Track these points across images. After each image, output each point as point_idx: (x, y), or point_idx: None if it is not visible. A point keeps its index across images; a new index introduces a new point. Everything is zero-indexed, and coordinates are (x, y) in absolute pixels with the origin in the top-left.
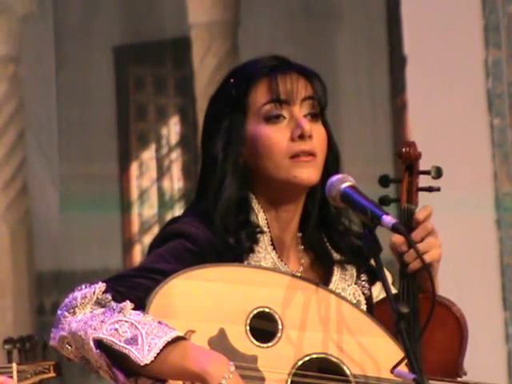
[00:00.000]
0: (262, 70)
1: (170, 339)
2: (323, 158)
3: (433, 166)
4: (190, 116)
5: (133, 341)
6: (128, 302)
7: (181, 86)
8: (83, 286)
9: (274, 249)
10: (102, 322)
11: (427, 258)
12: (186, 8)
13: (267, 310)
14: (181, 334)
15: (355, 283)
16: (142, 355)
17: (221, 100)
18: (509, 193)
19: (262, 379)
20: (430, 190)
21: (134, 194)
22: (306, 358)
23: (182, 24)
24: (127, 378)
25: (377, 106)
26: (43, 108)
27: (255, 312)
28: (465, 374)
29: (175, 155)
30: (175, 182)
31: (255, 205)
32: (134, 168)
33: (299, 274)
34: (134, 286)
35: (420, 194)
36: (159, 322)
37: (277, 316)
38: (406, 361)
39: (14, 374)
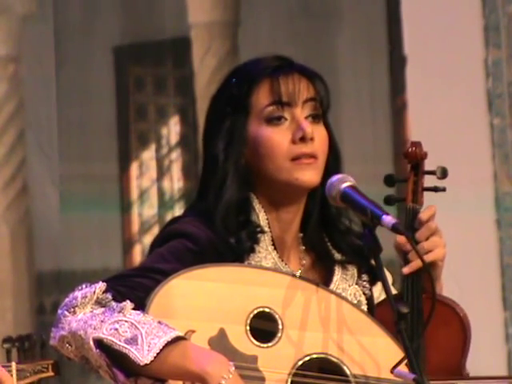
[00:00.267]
0: (264, 71)
1: (169, 339)
2: (324, 160)
3: (438, 167)
4: (189, 116)
5: (133, 340)
6: (128, 301)
7: (181, 86)
8: (83, 286)
9: (275, 249)
10: (102, 321)
11: (431, 256)
12: (185, 8)
13: (267, 309)
14: (181, 333)
15: (356, 283)
16: (142, 355)
17: (222, 100)
18: (509, 193)
19: (262, 379)
20: (435, 190)
21: (134, 194)
22: (306, 358)
23: (181, 24)
24: (127, 378)
25: (377, 106)
26: (43, 108)
27: (255, 312)
28: (468, 374)
29: (175, 155)
30: (175, 182)
31: (256, 205)
32: (134, 168)
33: (300, 274)
34: (134, 286)
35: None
36: (159, 322)
37: (277, 316)
38: (406, 361)
39: (14, 372)
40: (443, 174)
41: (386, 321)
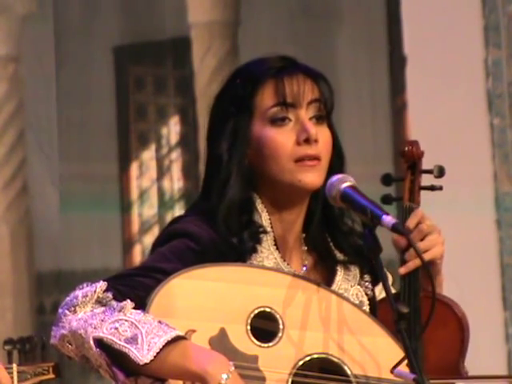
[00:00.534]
0: (268, 71)
1: (169, 338)
2: (328, 161)
3: (435, 165)
4: (189, 116)
5: (133, 340)
6: (128, 301)
7: (181, 86)
8: (84, 285)
9: (277, 249)
10: (103, 320)
11: (429, 255)
12: (185, 8)
13: (268, 309)
14: (181, 333)
15: (358, 284)
16: (142, 354)
17: (227, 99)
18: (509, 193)
19: (263, 379)
20: (432, 188)
21: (134, 194)
22: (307, 358)
23: (181, 24)
24: (127, 377)
25: (377, 106)
26: (43, 108)
27: (256, 312)
28: (466, 373)
29: (175, 155)
30: (175, 182)
31: (259, 205)
32: (134, 168)
33: (300, 274)
34: (135, 285)
35: (421, 193)
36: (159, 322)
37: (278, 316)
38: (406, 361)
39: (15, 374)
40: (440, 172)
41: (387, 320)
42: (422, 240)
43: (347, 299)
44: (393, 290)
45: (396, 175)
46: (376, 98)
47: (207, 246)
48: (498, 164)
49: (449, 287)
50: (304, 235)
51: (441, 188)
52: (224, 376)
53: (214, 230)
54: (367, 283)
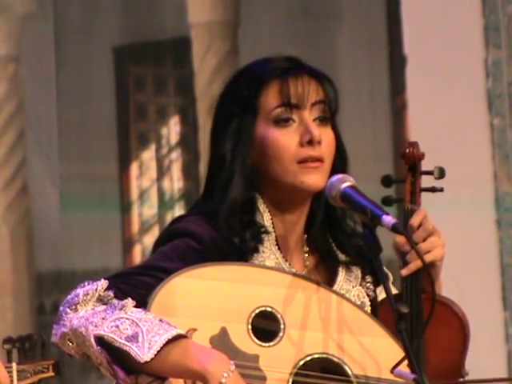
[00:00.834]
0: (273, 72)
1: (170, 337)
2: (330, 163)
3: (435, 167)
4: (189, 116)
5: (133, 338)
6: (130, 299)
7: (181, 86)
8: (85, 283)
9: (279, 249)
10: (104, 318)
11: (429, 257)
12: (185, 8)
13: (269, 309)
14: (182, 332)
15: (360, 284)
16: (143, 352)
17: (231, 99)
18: (509, 193)
19: (264, 378)
20: (433, 190)
21: (134, 194)
22: (308, 358)
23: (181, 24)
24: (127, 376)
25: (377, 106)
26: (43, 108)
27: (257, 311)
28: (467, 373)
29: (175, 155)
30: (175, 182)
31: (261, 205)
32: (134, 168)
33: (301, 274)
34: (136, 284)
35: (421, 194)
36: (160, 320)
37: (279, 315)
38: (407, 361)
39: (14, 373)
40: (441, 174)
41: (388, 320)
42: (423, 241)
43: (347, 299)
44: (393, 290)
45: (396, 176)
46: (376, 97)
47: (209, 246)
48: (498, 164)
49: (449, 287)
50: (305, 236)
51: (442, 190)
52: (225, 375)
53: (215, 229)
54: (369, 284)
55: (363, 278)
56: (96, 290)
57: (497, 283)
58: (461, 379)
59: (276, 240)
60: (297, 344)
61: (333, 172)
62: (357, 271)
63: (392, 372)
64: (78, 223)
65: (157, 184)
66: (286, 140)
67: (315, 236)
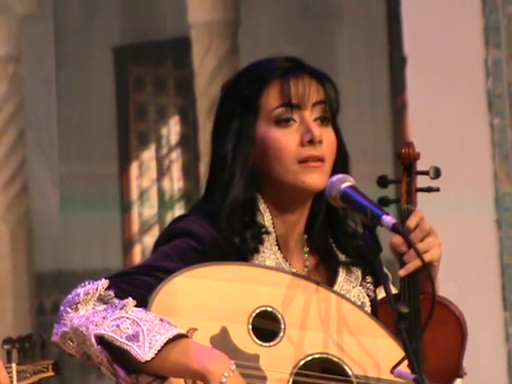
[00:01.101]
0: (274, 72)
1: (171, 336)
2: (332, 163)
3: (431, 167)
4: (189, 116)
5: (134, 337)
6: (130, 298)
7: (181, 86)
8: (86, 283)
9: (279, 249)
10: (104, 318)
11: (427, 257)
12: (185, 8)
13: (270, 309)
14: (182, 331)
15: (360, 285)
16: (143, 352)
17: (232, 99)
18: (509, 193)
19: (264, 378)
20: (429, 190)
21: (134, 194)
22: (308, 358)
23: (181, 24)
24: (128, 375)
25: (377, 106)
26: (43, 108)
27: (258, 311)
28: (465, 373)
29: (175, 155)
30: (175, 182)
31: (261, 205)
32: (134, 168)
33: (301, 274)
34: (136, 284)
35: (420, 194)
36: (161, 320)
37: (279, 315)
38: (406, 362)
39: (14, 373)
40: (436, 174)
41: (387, 320)
42: (420, 242)
43: (347, 299)
44: (393, 290)
45: (396, 176)
46: (376, 98)
47: (209, 246)
48: (498, 164)
49: (449, 287)
50: (306, 236)
51: (438, 190)
52: (225, 374)
53: (216, 229)
54: (369, 284)
55: (363, 279)
56: (97, 289)
57: (497, 283)
58: (459, 379)
59: (276, 240)
60: (297, 344)
61: (334, 172)
62: (357, 272)
63: (392, 372)
64: (78, 223)
65: (157, 184)
66: (286, 140)
67: (316, 236)
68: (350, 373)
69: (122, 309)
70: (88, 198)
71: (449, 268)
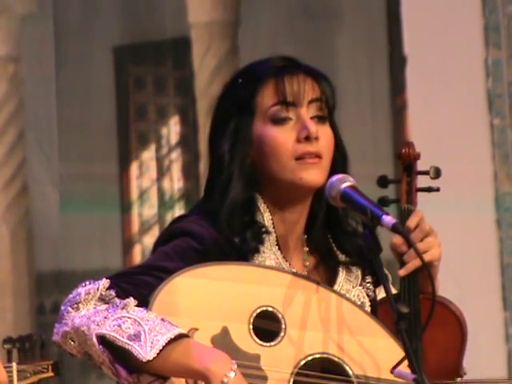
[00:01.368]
0: (269, 71)
1: (172, 336)
2: (329, 160)
3: (431, 167)
4: (189, 116)
5: (135, 337)
6: (131, 298)
7: (181, 86)
8: (87, 283)
9: (279, 249)
10: (106, 317)
11: (427, 257)
12: (185, 8)
13: (270, 309)
14: (184, 331)
15: (360, 285)
16: (145, 351)
17: (228, 100)
18: (509, 193)
19: (265, 378)
20: (429, 190)
21: (134, 194)
22: (309, 358)
23: (181, 24)
24: (129, 374)
25: (377, 106)
26: (43, 108)
27: (258, 311)
28: (465, 373)
29: (175, 155)
30: (175, 182)
31: (261, 205)
32: (134, 168)
33: (301, 273)
34: (137, 283)
35: (420, 194)
36: (162, 319)
37: (280, 315)
38: (407, 361)
39: (14, 373)
40: (436, 174)
41: (387, 320)
42: (420, 241)
43: (347, 298)
44: (393, 290)
45: (396, 176)
46: (376, 98)
47: (209, 246)
48: (498, 164)
49: (449, 287)
50: (306, 236)
51: (438, 190)
52: (227, 374)
53: (216, 229)
54: (369, 284)
55: (363, 279)
56: (98, 289)
57: (497, 283)
58: (459, 379)
59: (276, 240)
60: (297, 344)
61: (333, 171)
62: (357, 271)
63: (392, 372)
64: (78, 223)
65: (157, 184)
66: (283, 137)
67: (316, 236)
68: (350, 373)
69: (123, 308)
70: (88, 198)
71: (449, 268)
